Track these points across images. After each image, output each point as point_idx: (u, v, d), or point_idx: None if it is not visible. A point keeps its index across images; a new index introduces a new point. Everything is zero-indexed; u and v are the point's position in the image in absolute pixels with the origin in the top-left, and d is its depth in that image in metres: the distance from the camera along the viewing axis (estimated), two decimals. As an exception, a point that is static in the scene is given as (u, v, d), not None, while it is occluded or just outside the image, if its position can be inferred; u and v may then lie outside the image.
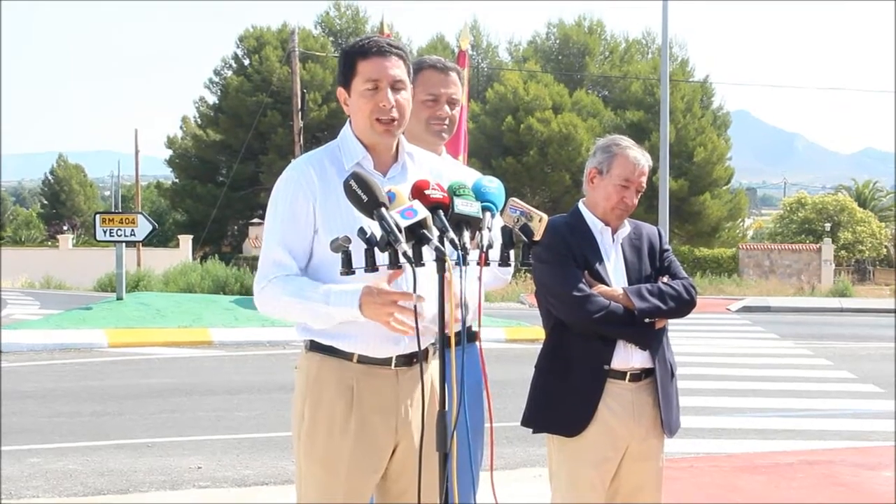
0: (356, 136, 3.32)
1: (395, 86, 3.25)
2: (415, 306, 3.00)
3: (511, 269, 3.55)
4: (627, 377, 3.96)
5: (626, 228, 4.09)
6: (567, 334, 3.99)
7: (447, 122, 3.98)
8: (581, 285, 3.92)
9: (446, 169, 3.49)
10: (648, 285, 4.00)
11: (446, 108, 3.97)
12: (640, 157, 4.04)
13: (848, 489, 7.14)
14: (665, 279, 4.07)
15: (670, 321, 4.11)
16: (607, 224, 4.05)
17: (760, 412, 10.68)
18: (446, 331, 2.88)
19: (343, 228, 3.05)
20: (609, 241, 4.06)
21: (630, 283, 4.01)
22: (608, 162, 4.03)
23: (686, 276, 4.13)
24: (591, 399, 3.92)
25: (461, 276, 2.86)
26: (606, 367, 3.93)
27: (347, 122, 3.38)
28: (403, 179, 3.24)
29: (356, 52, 3.27)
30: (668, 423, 4.02)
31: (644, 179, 4.05)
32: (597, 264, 3.99)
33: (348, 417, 3.25)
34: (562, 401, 3.97)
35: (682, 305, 4.02)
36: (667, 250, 4.17)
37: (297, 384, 3.36)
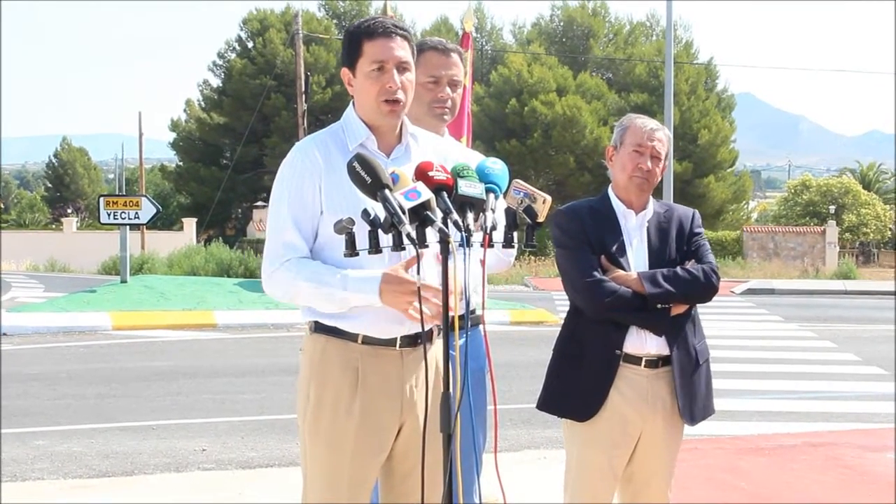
0: (360, 117, 3.31)
1: (401, 67, 3.24)
2: (418, 289, 3.00)
3: (514, 252, 3.53)
4: (643, 363, 3.89)
5: (650, 210, 4.00)
6: (582, 319, 3.94)
7: (449, 104, 3.97)
8: (593, 271, 3.86)
9: (450, 150, 3.48)
10: (665, 270, 3.90)
11: (448, 90, 3.95)
12: (650, 122, 3.97)
13: (851, 471, 7.14)
14: (690, 264, 3.96)
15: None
16: (630, 206, 3.97)
17: (764, 394, 10.67)
18: (451, 312, 2.87)
19: (347, 210, 3.03)
20: (633, 224, 3.97)
21: (652, 267, 3.92)
22: (621, 136, 3.99)
23: (711, 261, 4.00)
24: (603, 384, 3.87)
25: (464, 258, 2.85)
26: (618, 351, 3.87)
27: (351, 104, 3.36)
28: (407, 160, 3.22)
29: (362, 32, 3.25)
30: (686, 412, 3.93)
31: (658, 146, 3.93)
32: (616, 248, 3.92)
33: (353, 398, 3.24)
34: (574, 385, 3.93)
35: (698, 291, 3.91)
36: (697, 234, 4.05)
37: (302, 365, 3.35)
